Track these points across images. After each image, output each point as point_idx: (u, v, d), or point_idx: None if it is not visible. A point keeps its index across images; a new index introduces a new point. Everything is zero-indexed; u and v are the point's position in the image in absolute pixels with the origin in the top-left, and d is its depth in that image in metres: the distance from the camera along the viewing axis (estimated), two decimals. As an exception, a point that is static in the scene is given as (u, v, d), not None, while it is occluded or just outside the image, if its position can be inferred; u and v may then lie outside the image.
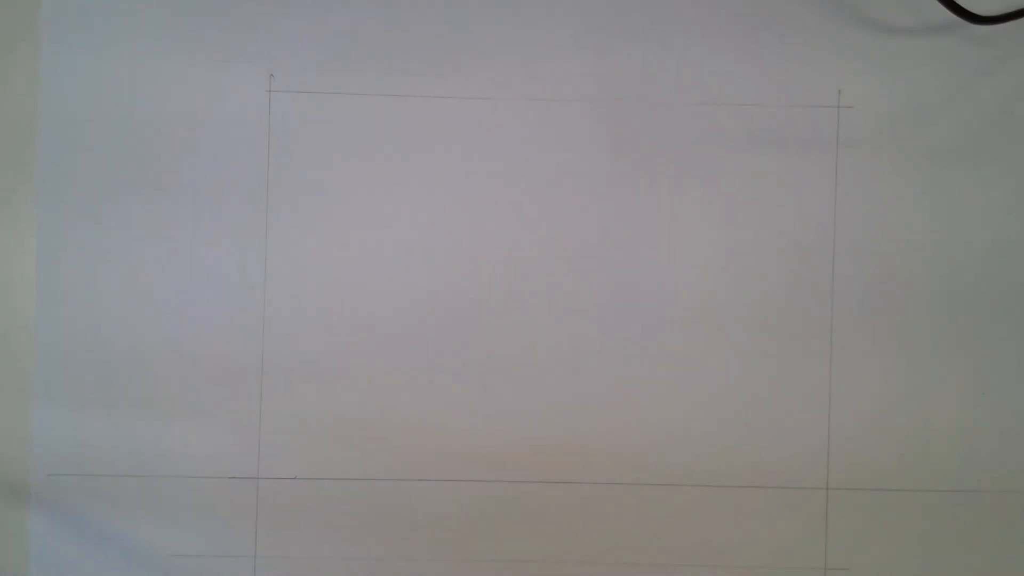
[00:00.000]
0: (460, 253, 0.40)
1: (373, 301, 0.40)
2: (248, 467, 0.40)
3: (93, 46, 0.40)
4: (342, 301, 0.40)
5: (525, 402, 0.40)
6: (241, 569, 0.40)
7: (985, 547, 0.41)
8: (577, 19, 0.40)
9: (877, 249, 0.41)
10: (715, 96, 0.40)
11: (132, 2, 0.40)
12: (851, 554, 0.40)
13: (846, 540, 0.40)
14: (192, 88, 0.40)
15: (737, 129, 0.40)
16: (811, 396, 0.40)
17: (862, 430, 0.40)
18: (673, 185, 0.40)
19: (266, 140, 0.40)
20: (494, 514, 0.40)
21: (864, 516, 0.40)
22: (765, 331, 0.40)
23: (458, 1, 0.40)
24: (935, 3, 0.39)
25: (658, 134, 0.40)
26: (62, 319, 0.40)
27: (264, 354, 0.40)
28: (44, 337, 0.40)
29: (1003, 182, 0.41)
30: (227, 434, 0.40)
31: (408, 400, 0.40)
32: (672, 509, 0.40)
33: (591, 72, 0.40)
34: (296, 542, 0.40)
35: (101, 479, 0.40)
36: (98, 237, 0.40)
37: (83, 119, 0.40)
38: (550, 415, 0.40)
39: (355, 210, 0.40)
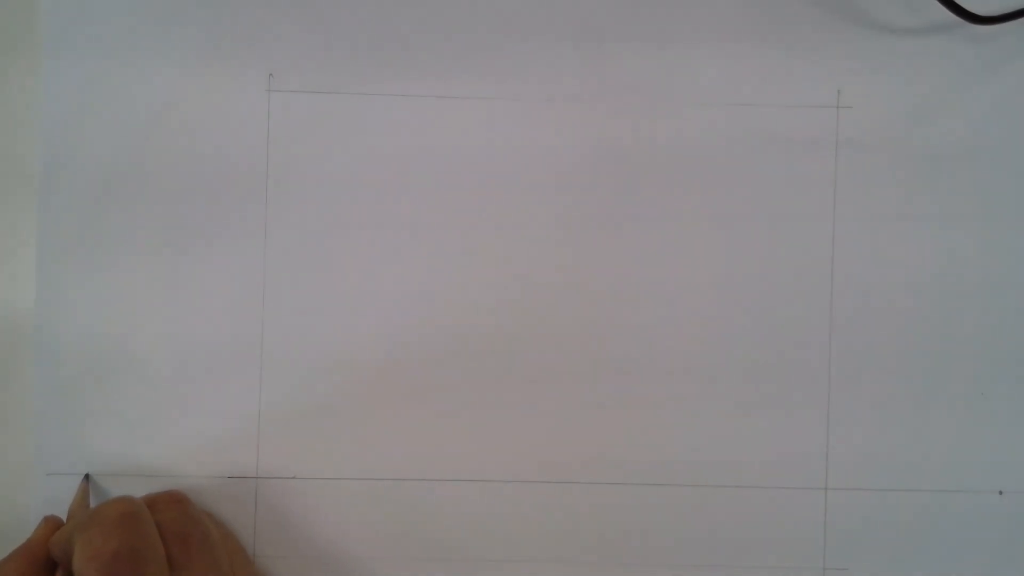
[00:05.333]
0: (460, 252, 0.40)
1: (373, 301, 0.40)
2: (247, 467, 0.40)
3: (93, 45, 0.40)
4: (342, 300, 0.40)
5: (525, 401, 0.40)
6: (241, 569, 0.40)
7: (985, 548, 0.41)
8: (577, 19, 0.40)
9: (876, 249, 0.41)
10: (713, 96, 0.40)
11: (132, 2, 0.40)
12: (850, 554, 0.40)
13: (845, 540, 0.40)
14: (192, 88, 0.40)
15: (736, 129, 0.40)
16: (810, 396, 0.40)
17: (862, 430, 0.40)
18: (671, 185, 0.40)
19: (266, 140, 0.40)
20: (494, 514, 0.40)
21: (863, 516, 0.40)
22: (763, 330, 0.40)
23: (458, 1, 0.40)
24: (935, 3, 0.39)
25: (656, 134, 0.40)
26: (62, 319, 0.40)
27: (263, 353, 0.40)
28: (44, 337, 0.40)
29: (1003, 182, 0.41)
30: (226, 434, 0.40)
31: (409, 400, 0.40)
32: (672, 509, 0.40)
33: (591, 72, 0.40)
34: (296, 542, 0.40)
35: (101, 479, 0.40)
36: (98, 236, 0.40)
37: (83, 119, 0.40)
38: (550, 415, 0.40)
39: (355, 210, 0.40)
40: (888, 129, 0.41)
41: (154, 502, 0.36)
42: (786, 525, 0.40)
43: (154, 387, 0.40)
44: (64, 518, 0.37)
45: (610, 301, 0.40)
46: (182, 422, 0.40)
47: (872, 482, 0.40)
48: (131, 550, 0.30)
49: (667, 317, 0.40)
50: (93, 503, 0.39)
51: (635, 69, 0.40)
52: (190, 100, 0.40)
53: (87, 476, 0.39)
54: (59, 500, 0.39)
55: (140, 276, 0.40)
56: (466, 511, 0.40)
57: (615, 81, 0.40)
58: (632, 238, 0.40)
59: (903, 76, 0.41)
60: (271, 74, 0.40)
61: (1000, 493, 0.41)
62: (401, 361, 0.40)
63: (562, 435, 0.40)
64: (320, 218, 0.40)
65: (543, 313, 0.40)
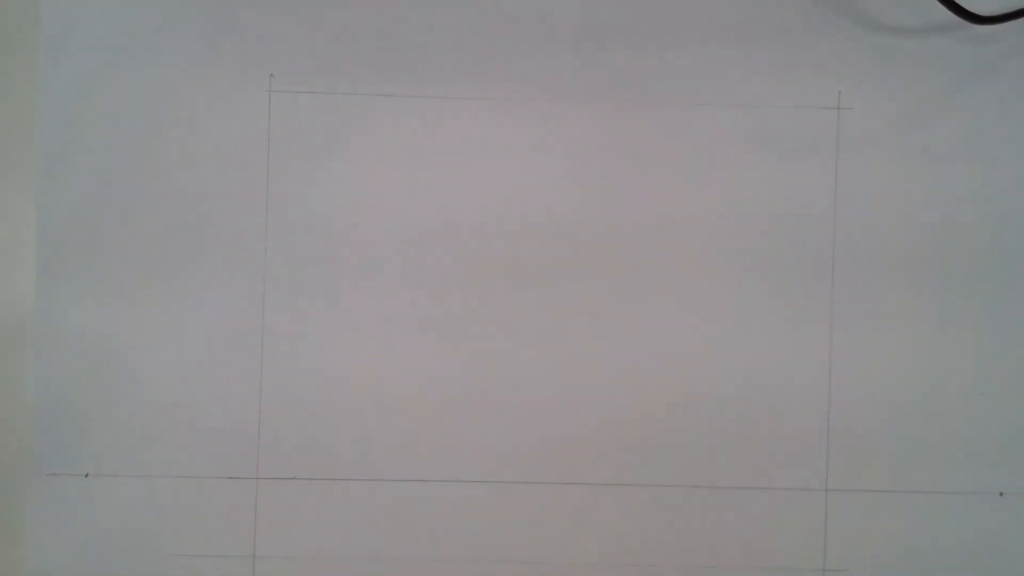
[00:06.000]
0: (460, 252, 0.40)
1: (374, 301, 0.40)
2: (247, 467, 0.40)
3: (93, 46, 0.40)
4: (342, 301, 0.40)
5: (525, 402, 0.40)
6: (240, 569, 0.40)
7: (985, 548, 0.40)
8: (577, 19, 0.40)
9: (877, 250, 0.41)
10: (714, 97, 0.41)
11: (131, 3, 0.40)
12: (850, 555, 0.40)
13: (845, 541, 0.40)
14: (192, 88, 0.40)
15: (737, 130, 0.40)
16: (810, 397, 0.40)
17: (862, 431, 0.40)
18: (672, 186, 0.40)
19: (266, 140, 0.40)
20: (494, 514, 0.40)
21: (863, 518, 0.40)
22: (764, 331, 0.40)
23: (458, 1, 0.40)
24: (935, 3, 0.39)
25: (657, 135, 0.40)
26: (62, 320, 0.40)
27: (264, 353, 0.40)
28: (44, 336, 0.40)
29: (1003, 182, 0.41)
30: (226, 434, 0.40)
31: (408, 400, 0.40)
32: (672, 509, 0.40)
33: (591, 72, 0.40)
34: (295, 542, 0.40)
35: (101, 479, 0.40)
36: (98, 237, 0.40)
37: (83, 119, 0.40)
38: (550, 415, 0.40)
39: (355, 209, 0.40)
40: (888, 130, 0.41)
41: None
42: (786, 525, 0.40)
43: (154, 387, 0.40)
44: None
45: (609, 301, 0.40)
46: (182, 423, 0.40)
47: (872, 482, 0.40)
48: None
49: (667, 317, 0.40)
50: (91, 504, 0.39)
51: (635, 70, 0.40)
52: (190, 100, 0.40)
53: None
54: (59, 500, 0.39)
55: (140, 276, 0.40)
56: (465, 512, 0.40)
57: (615, 82, 0.40)
58: (633, 239, 0.40)
59: (903, 77, 0.41)
60: (271, 74, 0.40)
61: (1001, 495, 0.41)
62: (401, 362, 0.40)
63: (561, 436, 0.40)
64: (320, 218, 0.40)
65: (541, 315, 0.40)
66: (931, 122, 0.41)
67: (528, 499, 0.40)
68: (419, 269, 0.40)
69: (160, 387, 0.40)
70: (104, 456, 0.40)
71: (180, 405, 0.40)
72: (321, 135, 0.40)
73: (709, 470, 0.40)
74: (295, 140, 0.40)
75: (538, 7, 0.40)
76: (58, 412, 0.40)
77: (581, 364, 0.40)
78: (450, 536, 0.40)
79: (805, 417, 0.40)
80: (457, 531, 0.40)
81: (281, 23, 0.40)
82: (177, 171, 0.40)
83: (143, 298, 0.40)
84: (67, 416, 0.40)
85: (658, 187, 0.40)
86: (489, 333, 0.40)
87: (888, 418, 0.40)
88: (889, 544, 0.41)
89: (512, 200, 0.40)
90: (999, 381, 0.41)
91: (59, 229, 0.40)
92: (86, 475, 0.39)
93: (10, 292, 0.40)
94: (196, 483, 0.40)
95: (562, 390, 0.40)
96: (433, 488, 0.40)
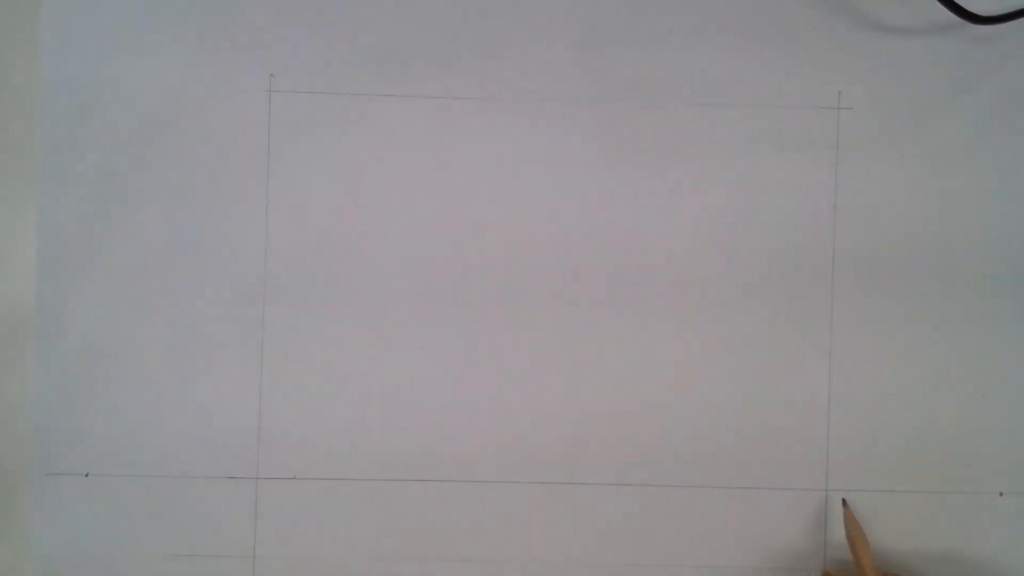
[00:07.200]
0: (460, 253, 0.40)
1: (373, 301, 0.40)
2: (247, 467, 0.40)
3: (93, 45, 0.40)
4: (342, 301, 0.40)
5: (525, 402, 0.40)
6: (240, 569, 0.40)
7: (985, 549, 0.40)
8: (577, 19, 0.40)
9: (877, 250, 0.41)
10: (715, 97, 0.41)
11: (132, 2, 0.40)
12: (850, 555, 0.40)
13: (845, 542, 0.40)
14: (192, 88, 0.40)
15: (737, 130, 0.40)
16: (811, 397, 0.40)
17: (862, 431, 0.40)
18: (673, 186, 0.40)
19: (266, 140, 0.40)
20: (494, 514, 0.40)
21: (863, 518, 0.40)
22: (765, 332, 0.40)
23: (458, 1, 0.40)
24: (935, 3, 0.39)
25: (657, 135, 0.40)
26: (62, 319, 0.40)
27: (264, 354, 0.40)
28: (44, 337, 0.40)
29: (1003, 182, 0.41)
30: (226, 434, 0.40)
31: (408, 400, 0.40)
32: (672, 509, 0.40)
33: (591, 72, 0.40)
34: (295, 542, 0.40)
35: (101, 479, 0.40)
36: (98, 236, 0.40)
37: (83, 119, 0.40)
38: (550, 415, 0.40)
39: (355, 209, 0.40)
40: (888, 130, 0.41)
41: None
42: (786, 525, 0.40)
43: (154, 387, 0.40)
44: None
45: (610, 303, 0.40)
46: (182, 422, 0.40)
47: (872, 482, 0.40)
48: None
49: (667, 317, 0.40)
50: (91, 504, 0.39)
51: (635, 69, 0.40)
52: (190, 100, 0.40)
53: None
54: (59, 500, 0.39)
55: (140, 277, 0.40)
56: (465, 512, 0.40)
57: (615, 81, 0.40)
58: (632, 240, 0.40)
59: (903, 77, 0.41)
60: (271, 74, 0.40)
61: (1000, 494, 0.41)
62: (400, 363, 0.40)
63: (562, 436, 0.40)
64: (320, 217, 0.40)
65: (541, 316, 0.40)
66: (931, 122, 0.41)
67: (529, 499, 0.40)
68: (419, 269, 0.40)
69: (160, 387, 0.40)
70: (104, 456, 0.40)
71: (180, 405, 0.40)
72: (321, 135, 0.40)
73: (709, 470, 0.40)
74: (295, 140, 0.40)
75: (538, 7, 0.40)
76: (58, 412, 0.40)
77: (582, 364, 0.40)
78: (450, 536, 0.40)
79: (805, 415, 0.40)
80: (457, 531, 0.40)
81: (281, 23, 0.40)
82: (177, 171, 0.40)
83: (143, 298, 0.40)
84: (67, 416, 0.40)
85: (657, 187, 0.40)
86: (489, 333, 0.40)
87: (888, 418, 0.40)
88: (889, 544, 0.41)
89: (510, 199, 0.40)
90: (999, 381, 0.41)
91: (59, 229, 0.40)
92: (86, 475, 0.39)
93: (10, 292, 0.40)
94: (196, 483, 0.40)
95: (562, 390, 0.40)
96: (434, 488, 0.40)
